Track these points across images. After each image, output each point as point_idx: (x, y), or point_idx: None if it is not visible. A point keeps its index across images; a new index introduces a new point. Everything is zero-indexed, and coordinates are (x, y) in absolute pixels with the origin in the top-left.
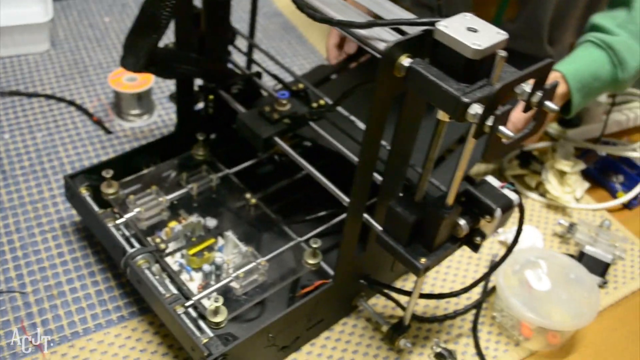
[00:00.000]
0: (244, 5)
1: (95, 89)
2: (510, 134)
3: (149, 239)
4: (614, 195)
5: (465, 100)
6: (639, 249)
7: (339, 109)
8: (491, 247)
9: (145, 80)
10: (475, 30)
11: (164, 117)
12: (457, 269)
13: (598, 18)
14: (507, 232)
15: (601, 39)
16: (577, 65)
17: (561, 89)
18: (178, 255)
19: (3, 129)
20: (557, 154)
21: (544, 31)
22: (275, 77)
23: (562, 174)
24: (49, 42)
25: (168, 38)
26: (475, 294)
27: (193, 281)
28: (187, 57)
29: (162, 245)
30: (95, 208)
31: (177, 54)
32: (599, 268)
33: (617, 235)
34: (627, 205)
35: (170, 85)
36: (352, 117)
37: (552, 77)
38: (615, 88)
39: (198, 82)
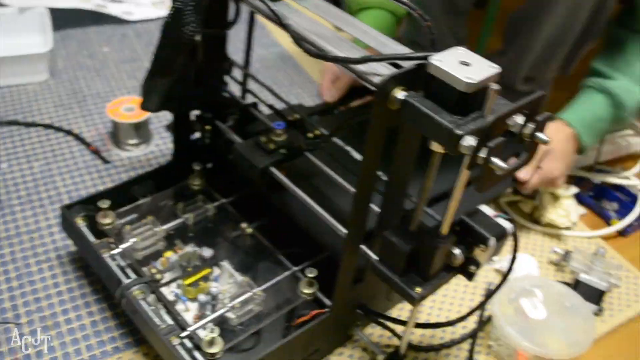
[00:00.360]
0: (243, 37)
1: (93, 119)
2: (504, 165)
3: (144, 269)
4: (608, 222)
5: (459, 132)
6: (634, 276)
7: (336, 140)
8: (487, 275)
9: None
10: (468, 64)
11: (161, 147)
12: (453, 298)
13: (597, 63)
14: (502, 261)
15: (600, 84)
16: (579, 111)
17: (568, 130)
18: (174, 285)
19: (1, 158)
20: None
21: (523, 69)
22: (271, 107)
23: (556, 198)
24: (48, 72)
25: None
26: (472, 322)
27: (189, 311)
28: (191, 91)
29: (158, 276)
30: (91, 238)
31: (183, 90)
32: (594, 296)
33: (612, 262)
34: (622, 233)
35: (167, 115)
36: (348, 148)
37: (556, 125)
38: (620, 125)
39: (195, 111)
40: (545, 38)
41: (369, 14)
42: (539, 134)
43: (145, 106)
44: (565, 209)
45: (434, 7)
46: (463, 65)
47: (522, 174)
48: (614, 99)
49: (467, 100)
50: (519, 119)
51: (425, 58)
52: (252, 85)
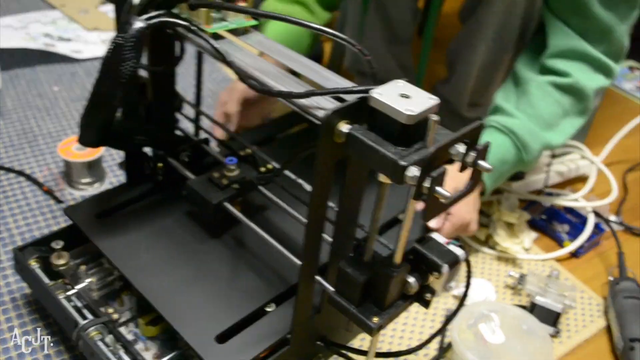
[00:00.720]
0: (194, 72)
1: (45, 159)
2: (448, 194)
3: (102, 309)
4: (561, 244)
5: (403, 163)
6: (589, 297)
7: (286, 172)
8: (446, 302)
9: (95, 149)
10: (407, 97)
11: (115, 185)
12: (413, 326)
13: (500, 98)
14: (460, 287)
15: (503, 124)
16: None
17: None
18: (132, 324)
19: None
20: (502, 206)
21: (466, 95)
22: (222, 142)
23: (509, 226)
24: None
25: None
26: (433, 350)
27: (149, 350)
28: (141, 128)
29: (115, 315)
30: (46, 280)
31: (131, 126)
32: (550, 318)
33: (566, 284)
34: (574, 254)
35: (120, 153)
36: (300, 180)
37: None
38: (522, 168)
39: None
40: (480, 63)
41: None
42: (481, 162)
43: (82, 140)
44: (519, 236)
45: (376, 37)
46: (403, 98)
47: (433, 222)
48: (517, 139)
49: (409, 132)
50: (461, 147)
51: (366, 91)
52: (203, 120)
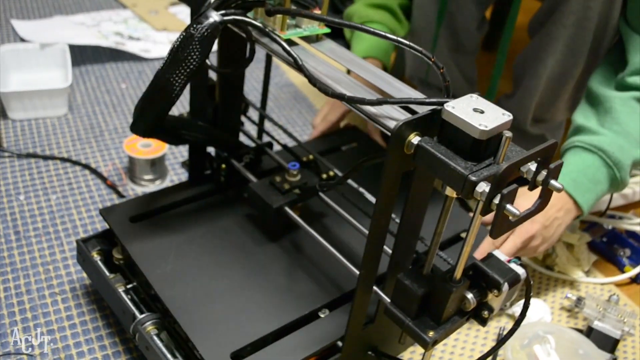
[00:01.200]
0: (257, 76)
1: (110, 154)
2: (517, 212)
3: (158, 304)
4: (621, 269)
5: (473, 178)
6: None
7: (349, 181)
8: (499, 320)
9: (160, 147)
10: (481, 112)
11: (176, 183)
12: (464, 342)
13: (580, 118)
14: (515, 306)
15: (589, 142)
16: (573, 175)
17: (568, 204)
18: None
19: (19, 190)
20: None
21: (530, 110)
22: (285, 147)
23: (568, 247)
24: (67, 107)
25: (184, 107)
26: None
27: None
28: (196, 125)
29: None
30: (106, 272)
31: (185, 122)
32: (608, 344)
33: (625, 310)
34: (635, 280)
35: (183, 152)
36: (362, 189)
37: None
38: (615, 188)
39: (211, 149)
40: (548, 77)
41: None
42: (552, 182)
43: (134, 128)
44: (578, 258)
45: (443, 45)
46: (477, 113)
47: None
48: (608, 157)
49: (480, 147)
50: (532, 165)
51: (439, 104)
52: (265, 124)
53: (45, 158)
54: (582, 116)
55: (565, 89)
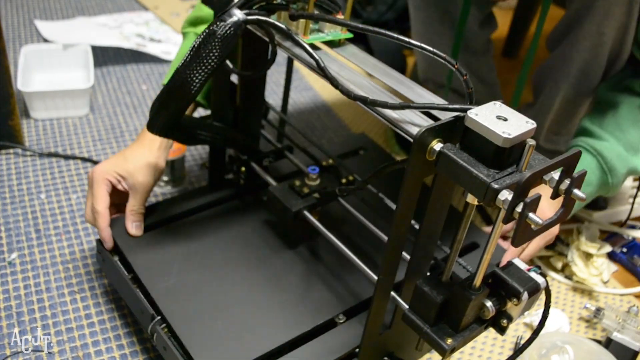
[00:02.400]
0: (277, 79)
1: None
2: (539, 220)
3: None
4: None
5: (496, 186)
6: None
7: (368, 186)
8: (516, 329)
9: (180, 149)
10: (505, 119)
11: (194, 185)
12: (481, 350)
13: (587, 122)
14: (532, 315)
15: (591, 145)
16: None
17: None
18: None
19: (40, 189)
20: (582, 236)
21: (545, 125)
22: (305, 151)
23: (588, 256)
24: (89, 107)
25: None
26: None
27: None
28: (211, 126)
29: None
30: (125, 272)
31: (201, 122)
32: (627, 356)
33: None
34: None
35: (203, 154)
36: (381, 195)
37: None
38: (605, 192)
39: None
40: (563, 97)
41: None
42: (576, 191)
43: (150, 126)
44: (598, 268)
45: (444, 45)
46: (500, 120)
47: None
48: (605, 162)
49: (503, 155)
50: (555, 174)
51: (463, 110)
52: (286, 128)
53: (67, 158)
54: (589, 118)
55: (580, 109)
